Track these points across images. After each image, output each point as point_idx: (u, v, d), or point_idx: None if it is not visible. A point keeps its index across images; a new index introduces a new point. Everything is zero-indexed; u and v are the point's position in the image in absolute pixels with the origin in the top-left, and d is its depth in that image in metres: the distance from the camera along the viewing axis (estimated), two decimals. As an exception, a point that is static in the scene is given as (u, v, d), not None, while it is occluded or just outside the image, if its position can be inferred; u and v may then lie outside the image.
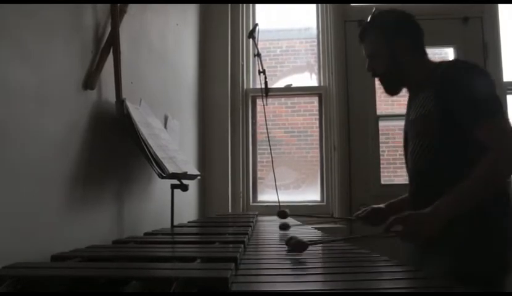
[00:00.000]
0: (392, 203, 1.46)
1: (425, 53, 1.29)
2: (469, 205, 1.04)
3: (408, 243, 1.08)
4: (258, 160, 2.89)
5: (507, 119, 1.08)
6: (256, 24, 2.55)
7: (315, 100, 2.92)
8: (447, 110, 1.12)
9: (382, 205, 1.47)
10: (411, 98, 1.31)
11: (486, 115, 1.07)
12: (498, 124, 1.06)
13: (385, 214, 1.38)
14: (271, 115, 2.90)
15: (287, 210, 1.59)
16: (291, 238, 0.95)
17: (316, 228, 1.56)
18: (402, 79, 1.29)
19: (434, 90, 1.16)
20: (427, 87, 1.19)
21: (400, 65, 1.26)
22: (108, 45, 1.24)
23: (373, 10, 1.36)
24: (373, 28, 1.31)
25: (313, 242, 0.98)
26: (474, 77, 1.13)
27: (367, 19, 1.35)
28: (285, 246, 0.97)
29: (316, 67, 2.96)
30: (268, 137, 2.60)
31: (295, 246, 0.92)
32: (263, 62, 2.58)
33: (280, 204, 2.51)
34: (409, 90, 1.34)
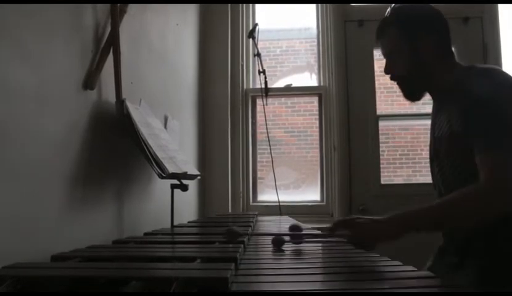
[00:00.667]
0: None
1: (452, 55, 1.14)
2: (427, 224, 0.97)
3: (353, 246, 0.99)
4: (258, 160, 2.89)
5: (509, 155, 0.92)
6: (256, 24, 2.56)
7: (315, 100, 2.92)
8: (459, 133, 1.01)
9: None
10: (436, 110, 1.16)
11: (489, 143, 0.94)
12: (497, 157, 0.92)
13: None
14: (271, 115, 2.90)
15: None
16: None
17: (315, 228, 1.56)
18: (424, 83, 1.14)
19: (457, 108, 1.03)
20: (451, 101, 1.06)
21: (423, 67, 1.11)
22: (108, 45, 1.24)
23: (392, 5, 1.18)
24: (393, 23, 1.14)
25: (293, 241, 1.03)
26: (501, 99, 0.97)
27: (386, 14, 1.18)
28: (283, 246, 0.97)
29: (316, 67, 2.96)
30: (268, 137, 2.61)
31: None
32: (263, 62, 2.58)
33: (281, 204, 2.52)
34: (433, 98, 1.18)
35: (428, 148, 1.24)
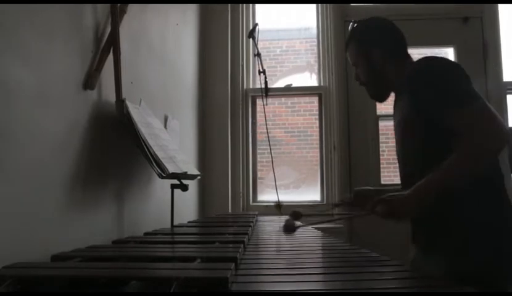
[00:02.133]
0: (381, 189, 1.49)
1: (407, 57, 1.30)
2: (447, 186, 1.04)
3: (390, 222, 1.07)
4: (258, 159, 2.89)
5: (480, 105, 1.04)
6: (256, 24, 2.55)
7: (315, 100, 2.92)
8: (419, 111, 1.13)
9: (370, 187, 1.51)
10: (395, 102, 1.33)
11: (454, 104, 1.06)
12: (468, 111, 1.04)
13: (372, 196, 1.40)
14: (271, 115, 2.90)
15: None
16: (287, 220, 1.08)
17: (315, 228, 1.56)
18: (384, 86, 1.32)
19: (407, 93, 1.18)
20: (404, 90, 1.21)
21: (378, 73, 1.29)
22: (108, 45, 1.24)
23: (352, 22, 1.43)
24: (352, 40, 1.37)
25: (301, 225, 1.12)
26: (437, 71, 1.13)
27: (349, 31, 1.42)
28: (283, 246, 0.97)
29: (316, 67, 2.96)
30: (268, 137, 2.61)
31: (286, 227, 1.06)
32: (263, 62, 2.58)
33: (280, 204, 2.51)
34: (395, 94, 1.36)
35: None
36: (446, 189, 1.03)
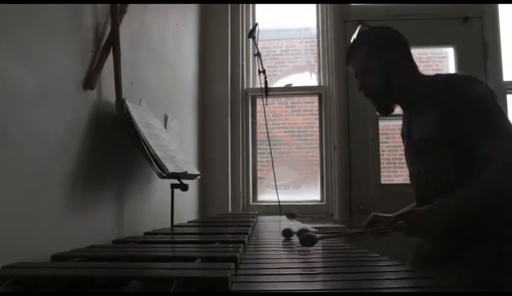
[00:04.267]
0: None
1: (416, 67, 1.26)
2: (467, 209, 1.04)
3: (410, 238, 1.07)
4: (258, 159, 2.89)
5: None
6: (256, 24, 2.56)
7: (315, 100, 2.93)
8: (451, 131, 1.09)
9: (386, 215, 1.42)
10: (410, 118, 1.26)
11: (494, 133, 1.05)
12: (507, 142, 1.04)
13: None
14: (271, 115, 2.90)
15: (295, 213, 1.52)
16: (302, 230, 1.02)
17: (315, 227, 1.56)
18: (395, 97, 1.26)
19: (437, 111, 1.12)
20: (427, 107, 1.15)
21: (392, 82, 1.23)
22: (108, 45, 1.24)
23: (359, 26, 1.34)
24: (361, 45, 1.27)
25: (322, 237, 1.02)
26: (475, 92, 1.09)
27: (352, 38, 1.32)
28: (284, 246, 0.97)
29: (316, 67, 2.96)
30: (268, 136, 2.61)
31: (306, 239, 0.97)
32: (263, 62, 2.58)
33: (281, 204, 2.52)
34: (405, 109, 1.30)
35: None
36: (465, 212, 1.03)
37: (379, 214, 1.38)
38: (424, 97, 1.18)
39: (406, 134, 1.30)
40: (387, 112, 1.30)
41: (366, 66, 1.25)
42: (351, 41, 1.32)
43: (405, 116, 1.31)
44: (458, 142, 1.09)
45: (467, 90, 1.10)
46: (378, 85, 1.23)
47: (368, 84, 1.26)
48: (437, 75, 1.22)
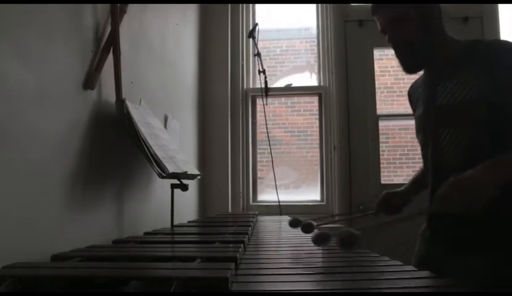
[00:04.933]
0: (407, 189, 1.38)
1: (445, 30, 1.16)
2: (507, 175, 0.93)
3: (452, 208, 0.93)
4: (258, 159, 2.89)
5: None
6: (256, 24, 2.56)
7: (315, 100, 2.93)
8: (492, 97, 1.00)
9: (397, 189, 1.38)
10: (433, 82, 1.14)
11: None
12: None
13: (401, 199, 1.32)
14: (271, 115, 2.90)
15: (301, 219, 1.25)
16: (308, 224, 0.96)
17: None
18: (431, 50, 1.12)
19: (474, 74, 1.03)
20: (464, 71, 1.05)
21: (432, 32, 1.11)
22: (108, 45, 1.24)
23: None
24: None
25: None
26: None
27: None
28: (284, 246, 0.97)
29: (316, 67, 2.96)
30: (268, 136, 2.61)
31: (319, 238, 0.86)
32: (263, 62, 2.59)
33: (281, 204, 2.52)
34: (429, 71, 1.18)
35: (415, 126, 1.24)
36: None
37: (390, 191, 1.31)
38: (461, 60, 1.09)
39: (424, 99, 1.18)
40: (415, 69, 1.17)
41: (402, 12, 1.12)
42: None
43: (426, 79, 1.20)
44: (498, 110, 1.00)
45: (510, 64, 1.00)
46: (417, 35, 1.11)
47: (404, 33, 1.12)
48: (479, 39, 1.13)
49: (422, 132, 1.19)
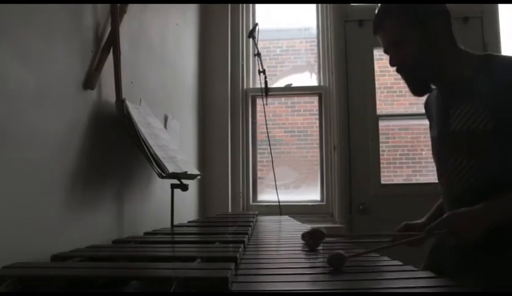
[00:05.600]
0: (427, 220, 1.22)
1: (457, 44, 1.05)
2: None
3: (453, 243, 0.95)
4: (258, 159, 2.89)
5: None
6: (256, 24, 2.56)
7: (315, 100, 2.93)
8: (507, 126, 0.93)
9: (417, 221, 1.22)
10: (447, 104, 1.06)
11: None
12: None
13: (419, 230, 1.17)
14: (271, 115, 2.90)
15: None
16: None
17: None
18: (435, 72, 1.05)
19: (486, 100, 0.96)
20: (478, 92, 0.98)
21: (435, 53, 1.02)
22: (108, 45, 1.24)
23: None
24: (396, 9, 1.05)
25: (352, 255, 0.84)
26: None
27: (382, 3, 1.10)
28: (284, 246, 0.97)
29: (316, 67, 2.96)
30: (268, 136, 2.61)
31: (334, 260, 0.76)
32: (263, 62, 2.59)
33: (281, 204, 2.52)
34: (442, 89, 1.10)
35: (431, 145, 1.18)
36: None
37: (409, 222, 1.20)
38: (473, 80, 1.00)
39: (439, 122, 1.10)
40: (422, 91, 1.10)
41: (401, 34, 1.04)
42: (379, 6, 1.11)
43: (438, 99, 1.12)
44: (509, 140, 0.94)
45: None
46: (417, 59, 1.03)
47: (403, 57, 1.05)
48: (491, 55, 1.02)
49: (437, 156, 1.15)
